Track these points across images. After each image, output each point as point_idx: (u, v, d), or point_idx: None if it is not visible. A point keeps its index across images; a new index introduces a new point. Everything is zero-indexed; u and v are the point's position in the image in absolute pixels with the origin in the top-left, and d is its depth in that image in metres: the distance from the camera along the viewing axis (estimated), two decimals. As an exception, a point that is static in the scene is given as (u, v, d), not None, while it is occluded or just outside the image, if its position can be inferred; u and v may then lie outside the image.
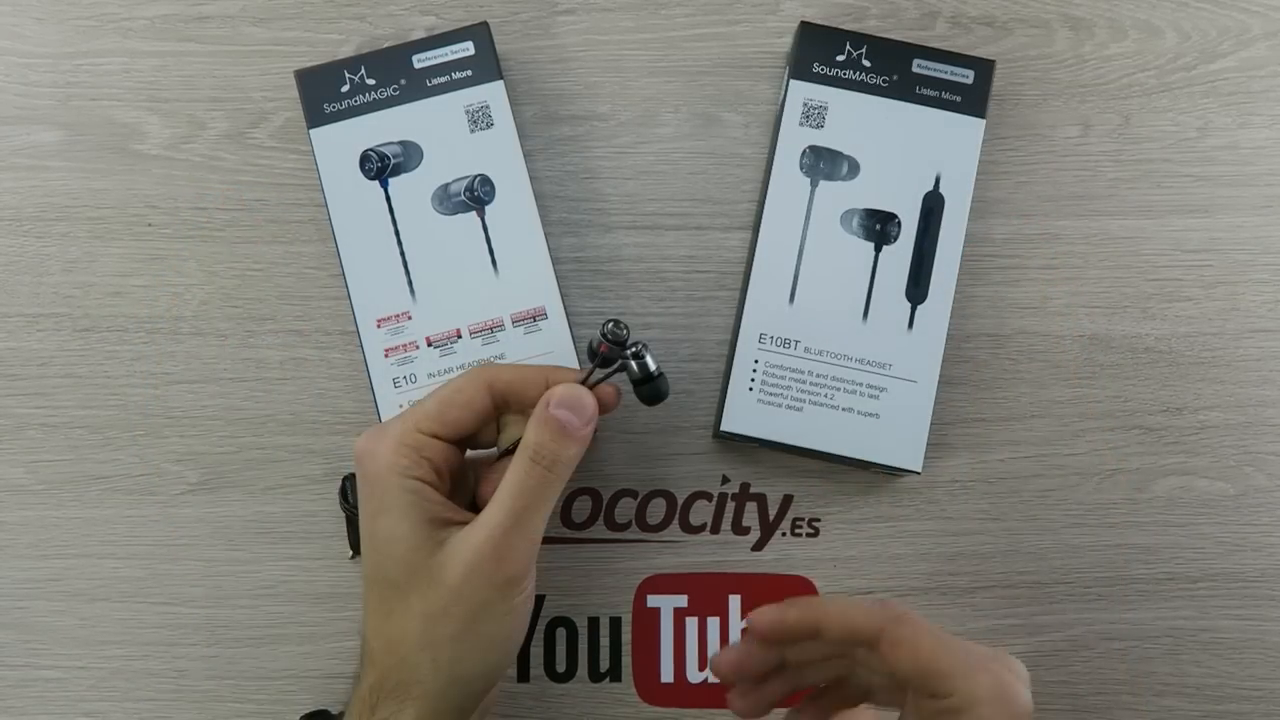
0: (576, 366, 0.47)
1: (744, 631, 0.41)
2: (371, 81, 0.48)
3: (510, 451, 0.40)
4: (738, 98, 0.51)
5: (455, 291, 0.47)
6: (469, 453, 0.42)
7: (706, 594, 0.49)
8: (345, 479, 0.48)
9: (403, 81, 0.48)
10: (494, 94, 0.48)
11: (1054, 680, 0.49)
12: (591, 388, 0.39)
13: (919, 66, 0.49)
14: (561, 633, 0.49)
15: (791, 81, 0.49)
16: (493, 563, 0.37)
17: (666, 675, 0.49)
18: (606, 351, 0.40)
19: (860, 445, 0.47)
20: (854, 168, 0.48)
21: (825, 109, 0.49)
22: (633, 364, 0.40)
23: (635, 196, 0.51)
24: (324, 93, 0.48)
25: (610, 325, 0.39)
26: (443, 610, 0.37)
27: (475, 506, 0.41)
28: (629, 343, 0.40)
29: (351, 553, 0.49)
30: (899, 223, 0.48)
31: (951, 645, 0.36)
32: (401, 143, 0.48)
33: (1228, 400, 0.50)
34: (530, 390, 0.40)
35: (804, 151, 0.49)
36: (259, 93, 0.50)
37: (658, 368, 0.40)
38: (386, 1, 0.51)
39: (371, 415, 0.47)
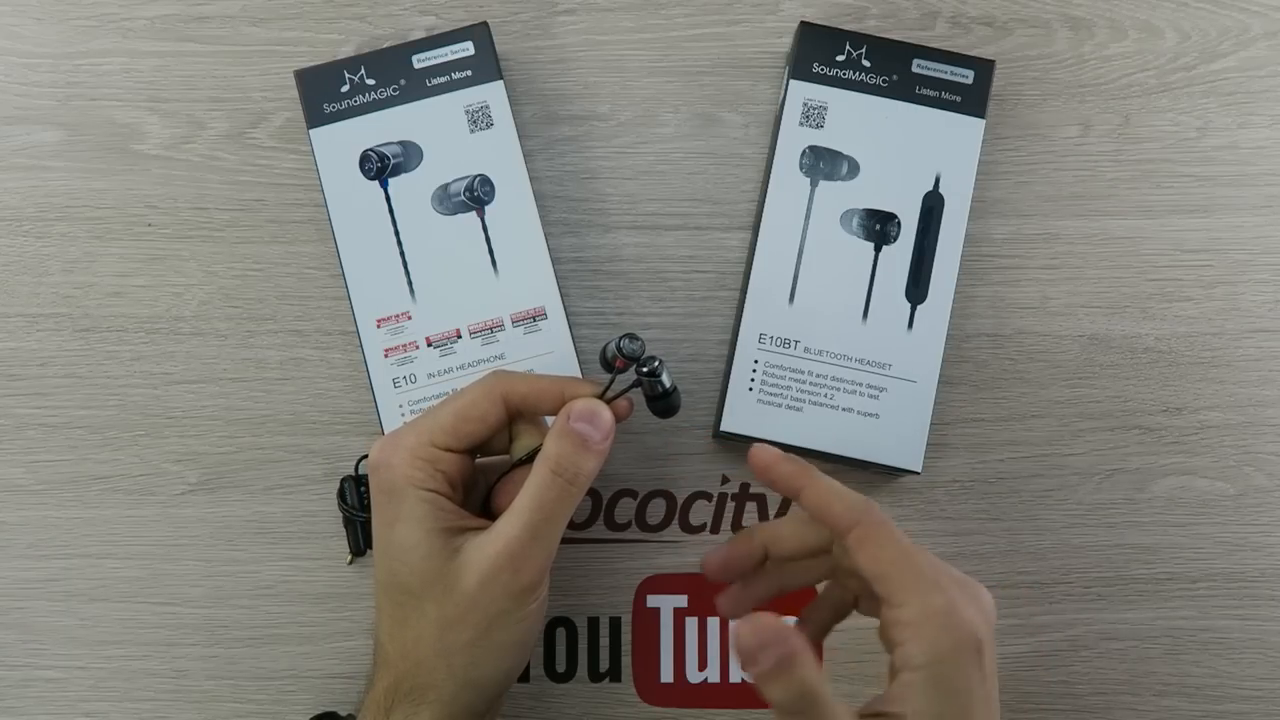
0: (576, 366, 0.47)
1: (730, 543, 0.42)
2: (371, 81, 0.48)
3: (524, 461, 0.40)
4: (738, 98, 0.51)
5: (455, 291, 0.47)
6: (479, 459, 0.42)
7: (706, 594, 0.49)
8: (344, 480, 0.48)
9: (403, 81, 0.48)
10: (494, 94, 0.48)
11: (1054, 680, 0.49)
12: (608, 401, 0.40)
13: (919, 66, 0.49)
14: (561, 633, 0.49)
15: (791, 81, 0.49)
16: (510, 573, 0.37)
17: (666, 675, 0.49)
18: (622, 367, 0.40)
19: (860, 445, 0.47)
20: (854, 168, 0.48)
21: (825, 109, 0.49)
22: (648, 380, 0.40)
23: (635, 196, 0.51)
24: (324, 93, 0.48)
25: (625, 340, 0.39)
26: (459, 617, 0.37)
27: (487, 511, 0.41)
28: (644, 358, 0.40)
29: (350, 556, 0.49)
30: (899, 223, 0.48)
31: (915, 559, 0.36)
32: (401, 143, 0.48)
33: (1228, 400, 0.50)
34: (545, 403, 0.40)
35: (804, 151, 0.49)
36: (259, 93, 0.50)
37: (672, 383, 0.41)
38: (386, 1, 0.51)
39: (371, 415, 0.47)
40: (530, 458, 0.39)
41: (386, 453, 0.39)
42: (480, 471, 0.42)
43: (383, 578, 0.39)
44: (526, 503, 0.38)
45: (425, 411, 0.40)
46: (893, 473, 0.49)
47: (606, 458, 0.39)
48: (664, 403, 0.41)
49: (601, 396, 0.40)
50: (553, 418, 0.39)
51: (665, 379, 0.40)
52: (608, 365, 0.40)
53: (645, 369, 0.40)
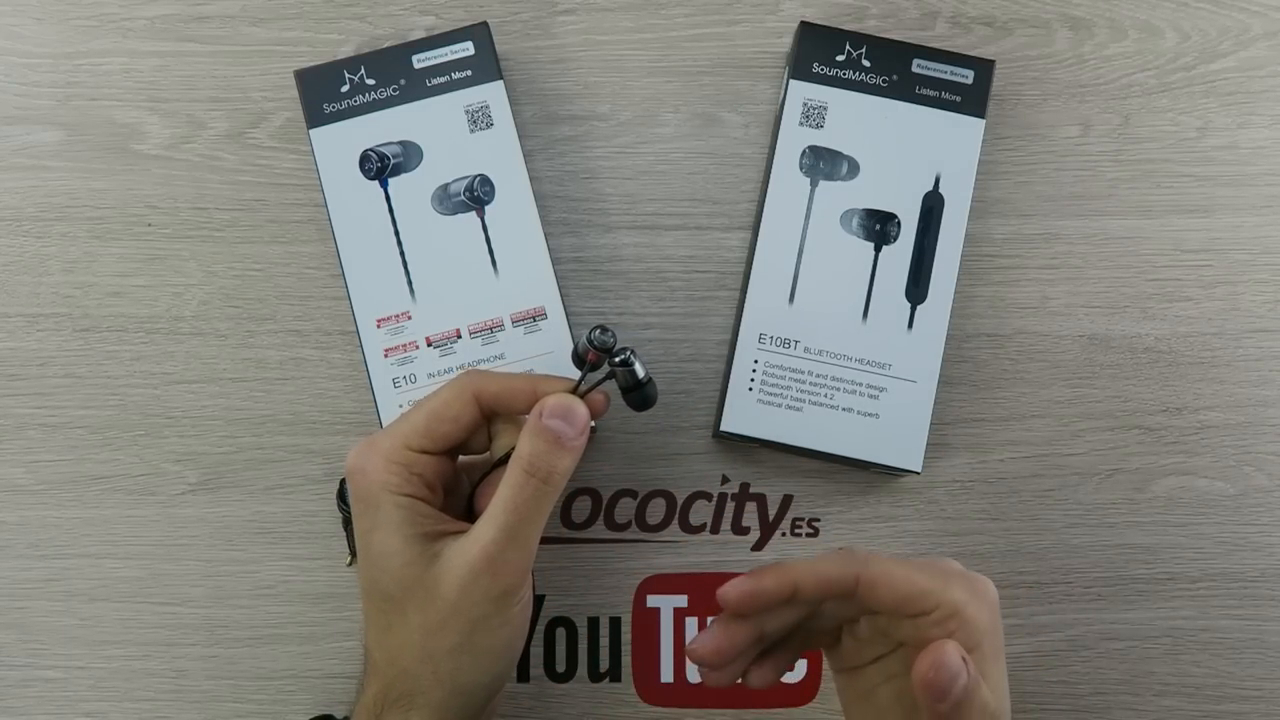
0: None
1: (718, 617, 0.40)
2: (371, 81, 0.48)
3: (504, 460, 0.40)
4: (738, 98, 0.51)
5: (455, 291, 0.47)
6: (461, 458, 0.42)
7: (706, 594, 0.49)
8: (343, 480, 0.48)
9: (403, 81, 0.48)
10: (494, 94, 0.48)
11: (1054, 680, 0.49)
12: (582, 396, 0.39)
13: (919, 66, 0.49)
14: (561, 633, 0.49)
15: (791, 81, 0.49)
16: (488, 577, 0.37)
17: (666, 675, 0.49)
18: (595, 359, 0.39)
19: (860, 445, 0.47)
20: (854, 168, 0.48)
21: (825, 109, 0.49)
22: (621, 371, 0.39)
23: (635, 196, 0.51)
24: (324, 93, 0.48)
25: (597, 332, 0.39)
26: (440, 624, 0.37)
27: (470, 513, 0.41)
28: (616, 349, 0.39)
29: (350, 558, 0.49)
30: (899, 223, 0.48)
31: (921, 567, 0.39)
32: (401, 143, 0.48)
33: (1228, 400, 0.50)
34: (518, 400, 0.40)
35: (804, 151, 0.49)
36: (259, 93, 0.50)
37: (646, 373, 0.40)
38: (386, 1, 0.51)
39: (371, 415, 0.47)
40: (510, 456, 0.39)
41: (362, 459, 0.38)
42: (464, 470, 0.42)
43: (366, 585, 0.39)
44: (501, 505, 0.37)
45: (400, 415, 0.40)
46: (893, 473, 0.49)
47: (582, 455, 0.39)
48: (639, 394, 0.40)
49: (575, 391, 0.39)
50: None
51: (639, 369, 0.39)
52: (580, 360, 0.40)
53: (618, 359, 0.39)
